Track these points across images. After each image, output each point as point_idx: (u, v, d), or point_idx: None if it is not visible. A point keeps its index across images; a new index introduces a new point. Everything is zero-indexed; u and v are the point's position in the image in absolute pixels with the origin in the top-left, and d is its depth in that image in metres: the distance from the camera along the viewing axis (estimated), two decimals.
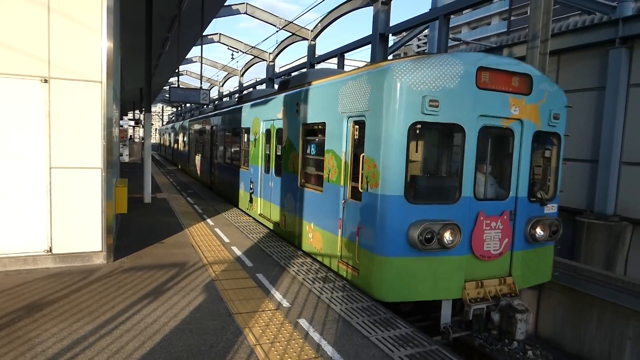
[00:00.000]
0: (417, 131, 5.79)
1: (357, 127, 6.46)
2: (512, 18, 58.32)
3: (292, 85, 9.59)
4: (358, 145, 6.38)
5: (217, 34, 26.26)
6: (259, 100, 11.29)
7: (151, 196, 13.45)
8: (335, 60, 20.83)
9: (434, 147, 6.79)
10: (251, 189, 11.40)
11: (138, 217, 10.67)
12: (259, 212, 10.76)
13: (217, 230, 9.71)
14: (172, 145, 34.80)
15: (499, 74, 5.84)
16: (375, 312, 5.40)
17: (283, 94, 9.39)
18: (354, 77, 6.43)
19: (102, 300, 5.34)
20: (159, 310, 5.14)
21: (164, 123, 62.23)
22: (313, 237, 7.60)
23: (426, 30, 17.05)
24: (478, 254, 5.89)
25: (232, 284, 6.19)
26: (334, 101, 6.80)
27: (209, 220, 10.80)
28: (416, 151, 6.37)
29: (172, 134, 34.78)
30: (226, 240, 8.81)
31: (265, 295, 5.81)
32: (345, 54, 19.29)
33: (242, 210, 12.35)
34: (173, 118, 59.00)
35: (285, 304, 5.52)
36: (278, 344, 4.44)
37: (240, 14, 20.96)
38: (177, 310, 5.15)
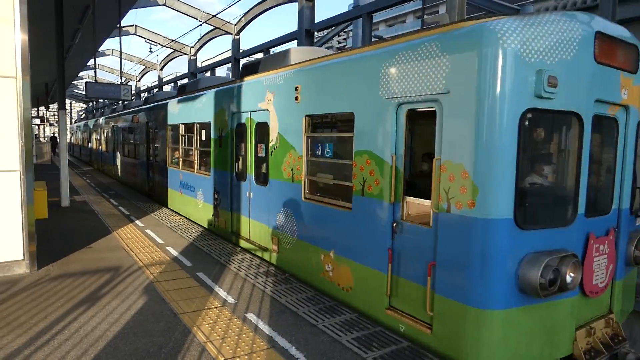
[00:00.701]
0: (527, 123, 3.96)
1: (413, 118, 4.85)
2: (426, 17, 61.76)
3: (272, 65, 7.46)
4: (420, 145, 5.14)
5: (132, 25, 24.92)
6: (225, 87, 8.77)
7: (69, 199, 12.56)
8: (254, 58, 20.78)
9: (545, 146, 4.74)
10: (216, 200, 9.18)
11: (59, 222, 9.95)
12: (230, 229, 8.61)
13: (148, 231, 9.35)
14: (87, 144, 32.19)
15: (614, 43, 4.38)
16: (319, 301, 5.60)
17: (266, 76, 7.16)
18: (411, 44, 4.52)
19: (31, 312, 4.99)
20: (97, 316, 4.93)
21: (74, 120, 57.67)
22: (334, 270, 5.64)
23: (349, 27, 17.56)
24: (587, 290, 4.38)
25: (173, 284, 6.06)
26: (371, 82, 4.93)
27: (138, 222, 10.35)
28: (524, 153, 4.11)
29: (86, 132, 32.15)
30: (160, 241, 8.53)
31: (209, 293, 5.78)
32: (272, 49, 19.26)
33: (206, 228, 9.86)
34: (83, 115, 54.93)
35: (231, 300, 5.54)
36: (229, 339, 4.47)
37: (159, 5, 20.09)
38: (117, 315, 4.97)
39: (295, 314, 5.14)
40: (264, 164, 7.33)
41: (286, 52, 7.58)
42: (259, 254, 7.54)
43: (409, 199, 4.71)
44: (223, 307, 5.29)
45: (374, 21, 14.33)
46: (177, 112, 11.35)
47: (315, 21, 15.67)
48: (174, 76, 33.30)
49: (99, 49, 26.89)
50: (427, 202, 4.41)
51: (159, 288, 5.89)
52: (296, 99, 6.29)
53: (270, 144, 6.95)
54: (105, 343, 4.31)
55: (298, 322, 4.92)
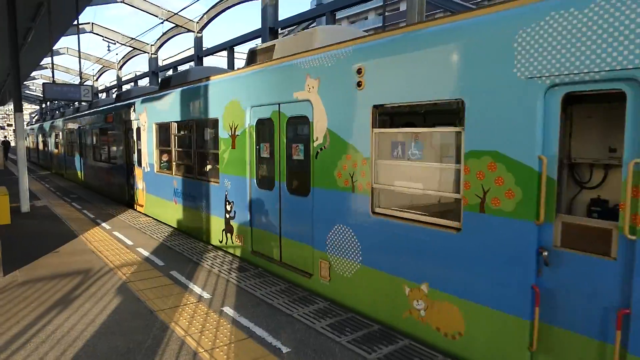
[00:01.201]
0: None
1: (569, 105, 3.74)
2: (387, 14, 62.73)
3: (295, 47, 6.33)
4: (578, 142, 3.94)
5: (89, 23, 24.21)
6: (238, 74, 7.31)
7: (29, 204, 12.17)
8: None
9: None
10: (228, 212, 7.64)
11: (21, 228, 9.68)
12: (250, 248, 7.13)
13: (116, 233, 9.26)
14: (44, 147, 30.77)
15: None
16: (293, 292, 5.79)
17: (307, 57, 5.72)
18: None
19: (3, 317, 4.94)
20: (72, 318, 4.94)
21: (26, 123, 55.19)
22: (429, 309, 4.33)
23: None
24: None
25: (147, 283, 6.10)
26: (497, 56, 3.67)
27: (104, 225, 10.20)
28: None
29: (43, 135, 30.74)
30: (129, 242, 8.48)
31: (184, 290, 5.86)
32: (236, 48, 19.22)
33: (214, 246, 8.22)
34: (36, 117, 52.67)
35: (206, 295, 5.65)
36: (207, 332, 4.60)
37: (117, 2, 19.63)
38: (93, 316, 4.99)
39: (271, 306, 5.31)
40: (303, 169, 5.96)
41: (311, 33, 6.46)
42: (293, 279, 6.20)
43: (567, 217, 3.52)
44: (199, 303, 5.40)
45: (337, 17, 14.57)
46: (167, 109, 9.75)
47: (280, 19, 15.78)
48: (134, 75, 32.54)
49: (53, 48, 25.94)
50: (604, 224, 3.27)
51: (133, 288, 5.91)
52: (359, 84, 4.91)
53: (315, 144, 5.60)
54: (83, 343, 4.35)
55: (274, 313, 5.10)
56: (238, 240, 7.43)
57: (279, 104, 6.28)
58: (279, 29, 16.35)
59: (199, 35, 21.24)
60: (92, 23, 23.55)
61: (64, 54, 29.75)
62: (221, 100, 7.62)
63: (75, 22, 14.47)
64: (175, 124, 9.69)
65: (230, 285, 6.05)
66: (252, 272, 6.61)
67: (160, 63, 26.49)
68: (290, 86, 6.01)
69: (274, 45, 6.97)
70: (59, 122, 23.62)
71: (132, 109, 11.97)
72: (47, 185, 18.70)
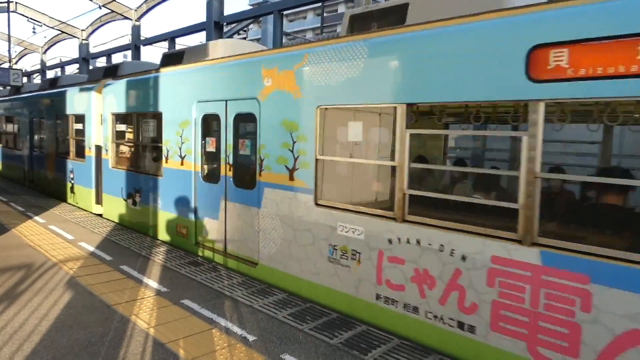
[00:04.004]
0: None
1: None
2: (325, 14, 63.71)
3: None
4: None
5: (11, 1, 22.29)
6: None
7: None
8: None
9: None
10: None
11: None
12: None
13: (53, 227, 8.79)
14: None
15: None
16: (250, 285, 5.94)
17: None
18: None
19: None
20: (22, 313, 4.74)
21: None
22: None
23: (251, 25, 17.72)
24: None
25: (98, 278, 5.94)
26: None
27: (37, 218, 9.62)
28: None
29: None
30: (69, 237, 8.11)
31: (138, 284, 5.79)
32: (177, 39, 18.71)
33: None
34: None
35: (164, 289, 5.64)
36: (170, 324, 4.64)
37: None
38: (45, 310, 4.82)
39: (231, 298, 5.43)
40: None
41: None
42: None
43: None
44: (157, 296, 5.39)
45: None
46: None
47: (225, 13, 15.64)
48: (59, 61, 30.41)
49: None
50: None
51: (83, 282, 5.74)
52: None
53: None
54: (39, 337, 4.22)
55: (234, 304, 5.23)
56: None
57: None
58: (224, 24, 16.23)
59: (137, 23, 20.41)
60: (16, 2, 21.72)
61: None
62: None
63: None
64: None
65: (186, 278, 6.06)
66: (206, 267, 6.65)
67: (91, 50, 25.04)
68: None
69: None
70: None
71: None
72: None
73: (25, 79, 33.53)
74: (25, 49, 29.98)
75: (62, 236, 8.13)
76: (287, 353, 4.11)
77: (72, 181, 11.59)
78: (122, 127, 9.82)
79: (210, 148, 7.10)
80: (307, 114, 5.33)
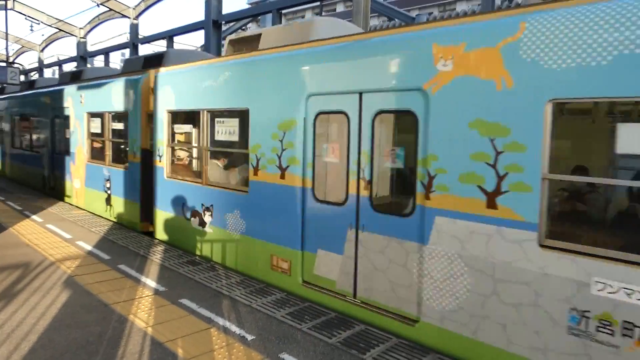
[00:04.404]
0: None
1: None
2: (323, 14, 63.72)
3: None
4: None
5: None
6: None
7: None
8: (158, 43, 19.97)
9: None
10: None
11: None
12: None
13: (50, 226, 8.76)
14: None
15: None
16: (248, 284, 5.93)
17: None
18: None
19: None
20: (20, 312, 4.73)
21: None
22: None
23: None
24: None
25: (96, 277, 5.93)
26: None
27: (35, 217, 9.59)
28: None
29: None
30: (67, 236, 8.09)
31: (136, 283, 5.78)
32: (175, 37, 18.67)
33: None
34: None
35: (162, 288, 5.63)
36: (168, 323, 4.63)
37: None
38: (42, 310, 4.81)
39: (229, 297, 5.42)
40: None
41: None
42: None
43: None
44: (155, 295, 5.38)
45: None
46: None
47: (224, 12, 15.60)
48: (56, 60, 30.31)
49: None
50: None
51: (81, 281, 5.73)
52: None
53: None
54: (37, 336, 4.21)
55: (233, 304, 5.22)
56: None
57: None
58: (223, 23, 16.19)
59: (136, 22, 20.35)
60: (14, 0, 21.63)
61: None
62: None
63: None
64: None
65: (185, 278, 6.05)
66: (204, 266, 6.64)
67: (89, 48, 24.97)
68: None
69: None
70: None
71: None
72: None
73: (22, 77, 33.45)
74: (23, 47, 29.85)
75: (59, 235, 8.11)
76: (286, 352, 4.11)
77: (109, 191, 9.72)
78: (183, 127, 8.00)
79: (331, 157, 5.35)
80: (528, 111, 3.67)
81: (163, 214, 8.00)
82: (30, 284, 5.57)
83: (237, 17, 15.66)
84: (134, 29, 20.46)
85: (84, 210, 10.70)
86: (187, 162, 8.34)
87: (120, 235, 8.29)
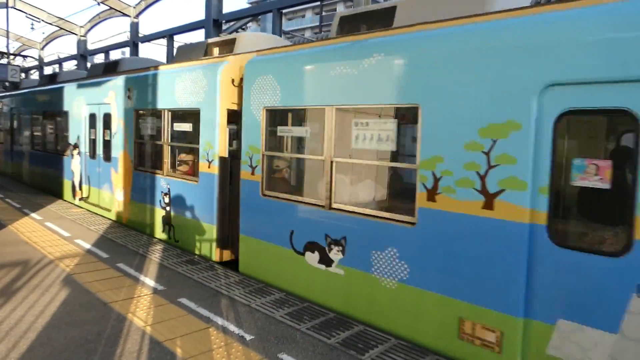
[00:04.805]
0: None
1: None
2: (324, 13, 63.81)
3: None
4: None
5: None
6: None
7: None
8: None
9: None
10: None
11: None
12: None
13: (49, 224, 8.76)
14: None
15: None
16: (248, 284, 5.92)
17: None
18: None
19: None
20: (19, 310, 4.72)
21: None
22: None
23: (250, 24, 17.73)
24: None
25: (94, 275, 5.92)
26: None
27: (34, 215, 9.58)
28: None
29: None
30: (66, 234, 8.08)
31: (135, 282, 5.77)
32: (175, 37, 18.67)
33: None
34: None
35: (161, 287, 5.62)
36: (167, 322, 4.63)
37: None
38: (41, 307, 4.80)
39: (228, 297, 5.42)
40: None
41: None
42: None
43: None
44: (154, 294, 5.37)
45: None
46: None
47: (224, 11, 15.61)
48: (57, 58, 30.32)
49: None
50: None
51: (80, 280, 5.72)
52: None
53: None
54: (36, 334, 4.20)
55: (232, 303, 5.22)
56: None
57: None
58: (223, 22, 16.19)
59: (136, 20, 20.35)
60: None
61: None
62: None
63: None
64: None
65: (184, 277, 6.05)
66: (203, 265, 6.64)
67: (89, 46, 24.95)
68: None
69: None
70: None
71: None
72: None
73: (22, 75, 33.41)
74: (23, 44, 29.83)
75: (58, 233, 8.10)
76: (285, 352, 4.11)
77: (168, 208, 7.81)
78: (293, 130, 6.27)
79: (594, 181, 3.46)
80: None
81: (254, 242, 6.23)
82: (29, 281, 5.57)
83: (238, 16, 15.66)
84: (134, 27, 20.45)
85: (129, 227, 8.90)
86: (296, 176, 6.64)
87: (119, 234, 8.28)
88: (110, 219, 9.56)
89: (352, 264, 5.02)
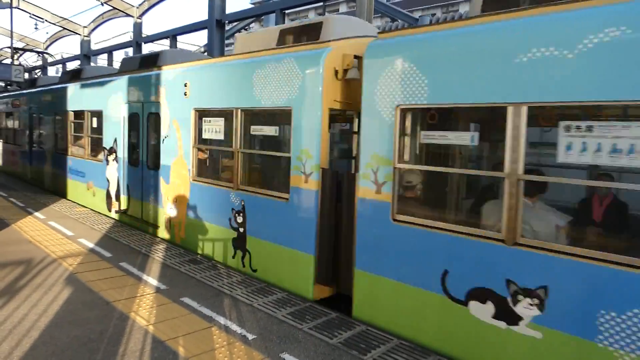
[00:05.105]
0: None
1: None
2: (326, 14, 63.86)
3: None
4: None
5: None
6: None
7: None
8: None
9: None
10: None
11: None
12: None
13: (52, 223, 8.78)
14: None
15: None
16: (250, 283, 5.93)
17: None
18: None
19: None
20: (22, 308, 4.74)
21: None
22: None
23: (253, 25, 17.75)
24: None
25: (97, 274, 5.94)
26: None
27: (37, 214, 9.61)
28: None
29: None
30: (69, 233, 8.10)
31: (138, 281, 5.78)
32: (178, 37, 18.70)
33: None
34: None
35: (163, 286, 5.63)
36: (169, 321, 4.63)
37: None
38: (44, 306, 4.82)
39: (230, 296, 5.42)
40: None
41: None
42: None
43: None
44: (157, 293, 5.38)
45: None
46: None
47: (227, 12, 15.61)
48: (61, 58, 30.42)
49: None
50: None
51: (83, 279, 5.74)
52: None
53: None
54: (39, 333, 4.22)
55: (234, 303, 5.22)
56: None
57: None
58: (226, 22, 16.20)
59: (139, 21, 20.39)
60: None
61: None
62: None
63: None
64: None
65: (187, 277, 6.06)
66: (206, 265, 6.65)
67: (93, 47, 25.03)
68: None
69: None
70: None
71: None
72: None
73: (26, 75, 33.53)
74: (27, 45, 29.93)
75: (61, 232, 8.13)
76: (287, 352, 4.11)
77: (241, 229, 6.43)
78: (448, 136, 4.50)
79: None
80: None
81: (378, 280, 4.81)
82: (32, 280, 5.58)
83: (241, 16, 15.68)
84: (138, 28, 20.50)
85: (184, 248, 7.50)
86: (447, 197, 5.26)
87: (122, 234, 8.30)
88: (159, 237, 8.19)
89: (553, 324, 3.54)
